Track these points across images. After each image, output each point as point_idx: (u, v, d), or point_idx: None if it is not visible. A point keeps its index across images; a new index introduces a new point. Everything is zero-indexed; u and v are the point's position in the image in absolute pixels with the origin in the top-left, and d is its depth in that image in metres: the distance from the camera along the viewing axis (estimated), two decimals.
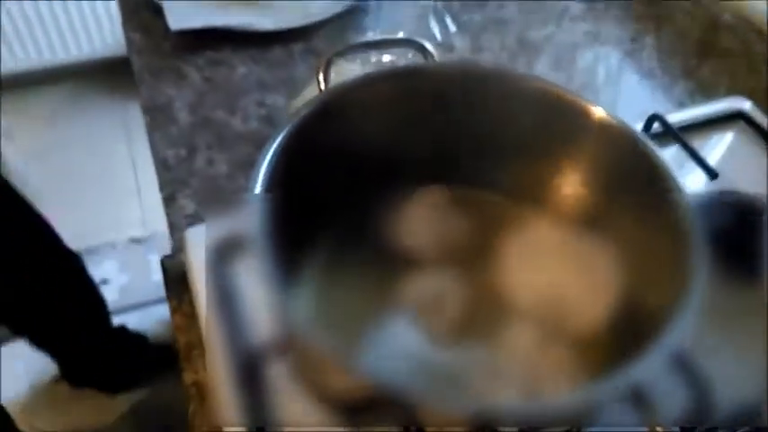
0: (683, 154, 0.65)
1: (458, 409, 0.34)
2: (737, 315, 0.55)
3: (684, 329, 0.38)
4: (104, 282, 1.65)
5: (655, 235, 0.46)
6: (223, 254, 0.57)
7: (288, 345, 0.46)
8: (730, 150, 0.69)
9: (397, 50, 0.65)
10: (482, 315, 0.48)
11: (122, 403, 1.41)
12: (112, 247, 1.75)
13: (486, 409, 0.34)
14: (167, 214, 0.70)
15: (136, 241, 1.77)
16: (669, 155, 0.65)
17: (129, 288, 1.65)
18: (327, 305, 0.48)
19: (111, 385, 1.41)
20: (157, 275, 0.61)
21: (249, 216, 0.41)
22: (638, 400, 0.41)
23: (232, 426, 0.48)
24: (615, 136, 0.47)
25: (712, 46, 0.86)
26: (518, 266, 0.49)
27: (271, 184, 0.43)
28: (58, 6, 1.85)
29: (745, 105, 0.72)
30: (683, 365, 0.48)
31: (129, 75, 0.83)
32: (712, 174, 0.60)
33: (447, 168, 0.52)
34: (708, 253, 0.42)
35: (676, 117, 0.69)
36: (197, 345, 0.58)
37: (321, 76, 0.50)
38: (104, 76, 2.04)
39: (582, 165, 0.50)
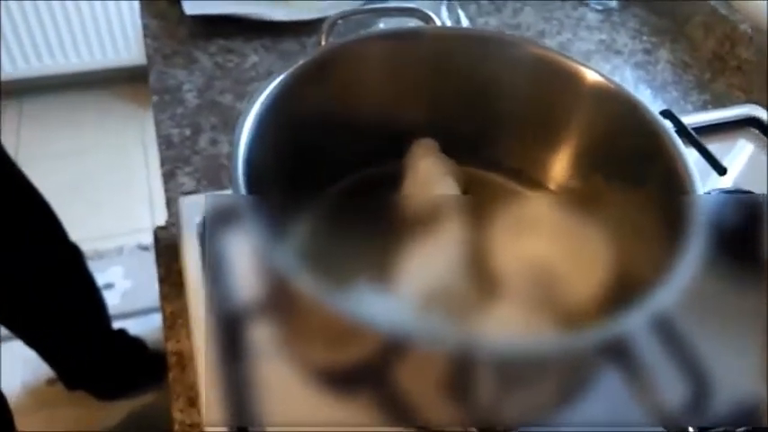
0: (693, 155, 0.63)
1: (443, 343, 0.32)
2: (737, 311, 0.53)
3: (670, 296, 0.36)
4: (108, 286, 1.65)
5: (652, 209, 0.44)
6: (213, 223, 0.55)
7: (274, 301, 0.44)
8: (741, 154, 0.67)
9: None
10: (469, 285, 0.46)
11: (115, 410, 1.39)
12: (119, 252, 1.75)
13: (472, 342, 0.32)
14: (166, 190, 0.69)
15: (143, 248, 1.76)
16: None
17: (131, 294, 1.64)
18: (313, 265, 0.46)
19: (105, 390, 1.39)
20: None
21: (234, 171, 0.40)
22: (628, 365, 0.39)
23: (214, 425, 0.46)
24: (615, 103, 0.46)
25: (728, 59, 0.85)
26: (508, 238, 0.47)
27: (257, 141, 0.42)
28: (86, 12, 1.89)
29: (759, 112, 0.71)
30: (682, 354, 0.46)
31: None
32: (721, 170, 0.58)
33: (440, 135, 0.50)
34: (705, 231, 0.40)
35: (688, 119, 0.68)
36: (182, 314, 0.57)
37: (324, 40, 0.49)
38: (126, 84, 2.07)
39: (580, 135, 0.49)
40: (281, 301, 0.40)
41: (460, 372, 0.35)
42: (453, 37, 0.50)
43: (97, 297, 1.30)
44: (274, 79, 0.43)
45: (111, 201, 1.87)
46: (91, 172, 1.93)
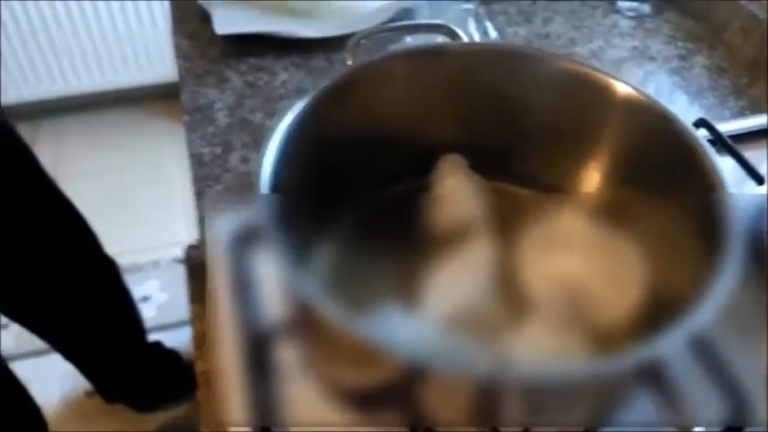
0: (729, 163, 0.61)
1: (465, 372, 0.32)
2: None
3: (707, 314, 0.34)
4: (145, 299, 1.67)
5: (687, 223, 0.42)
6: (241, 242, 0.56)
7: (299, 323, 0.44)
8: None
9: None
10: (498, 305, 0.45)
11: (152, 422, 1.40)
12: (156, 265, 1.78)
13: (496, 370, 0.32)
14: (197, 208, 0.70)
15: (179, 261, 1.78)
16: None
17: (167, 306, 1.66)
18: (339, 286, 0.46)
19: (142, 402, 1.40)
20: None
21: (259, 191, 0.40)
22: (661, 387, 0.38)
23: (237, 425, 0.46)
24: (647, 116, 0.44)
25: (765, 64, 0.82)
26: (538, 256, 0.46)
27: (282, 162, 0.42)
28: (123, 32, 1.93)
29: None
30: (718, 369, 0.44)
31: None
32: (759, 179, 0.56)
33: (468, 151, 0.50)
34: (744, 246, 0.39)
35: (725, 127, 0.66)
36: (212, 334, 0.57)
37: (350, 58, 0.49)
38: (165, 101, 2.11)
39: (611, 148, 0.48)
40: (305, 323, 0.40)
41: (486, 396, 0.34)
42: (479, 53, 0.50)
43: (133, 310, 1.32)
44: (300, 102, 0.43)
45: (149, 215, 1.90)
46: (129, 187, 1.96)
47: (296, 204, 0.40)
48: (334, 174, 0.46)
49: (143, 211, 1.90)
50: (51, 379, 1.44)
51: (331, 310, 0.33)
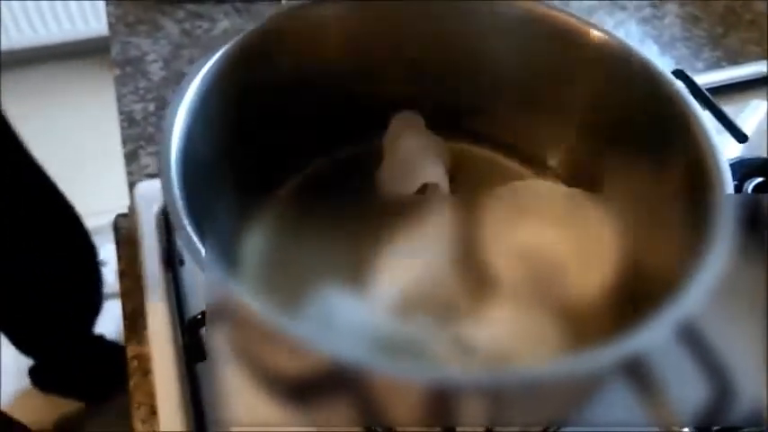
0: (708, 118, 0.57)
1: (412, 378, 0.27)
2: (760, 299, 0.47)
3: (697, 300, 0.30)
4: (102, 264, 1.59)
5: (670, 192, 0.38)
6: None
7: (226, 311, 0.38)
8: (754, 115, 0.61)
9: None
10: (458, 282, 0.40)
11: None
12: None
13: (446, 377, 0.27)
14: (128, 173, 0.64)
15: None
16: None
17: None
18: (276, 269, 0.40)
19: (79, 393, 1.32)
20: None
21: (164, 170, 0.33)
22: (642, 382, 0.33)
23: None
24: (625, 67, 0.39)
25: (741, 12, 0.78)
26: (503, 227, 0.41)
27: (196, 128, 0.35)
28: None
29: None
30: (701, 352, 0.40)
31: None
32: (741, 137, 0.52)
33: (424, 107, 0.44)
34: (735, 220, 0.34)
35: (702, 79, 0.61)
36: (144, 313, 0.51)
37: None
38: None
39: (584, 104, 0.42)
40: (231, 313, 0.35)
41: (442, 397, 0.29)
42: None
43: (98, 294, 1.24)
44: (215, 53, 0.36)
45: (106, 175, 1.80)
46: (82, 146, 1.86)
47: (219, 179, 0.34)
48: (263, 140, 0.40)
49: (99, 171, 1.79)
50: None
51: (252, 304, 0.28)
